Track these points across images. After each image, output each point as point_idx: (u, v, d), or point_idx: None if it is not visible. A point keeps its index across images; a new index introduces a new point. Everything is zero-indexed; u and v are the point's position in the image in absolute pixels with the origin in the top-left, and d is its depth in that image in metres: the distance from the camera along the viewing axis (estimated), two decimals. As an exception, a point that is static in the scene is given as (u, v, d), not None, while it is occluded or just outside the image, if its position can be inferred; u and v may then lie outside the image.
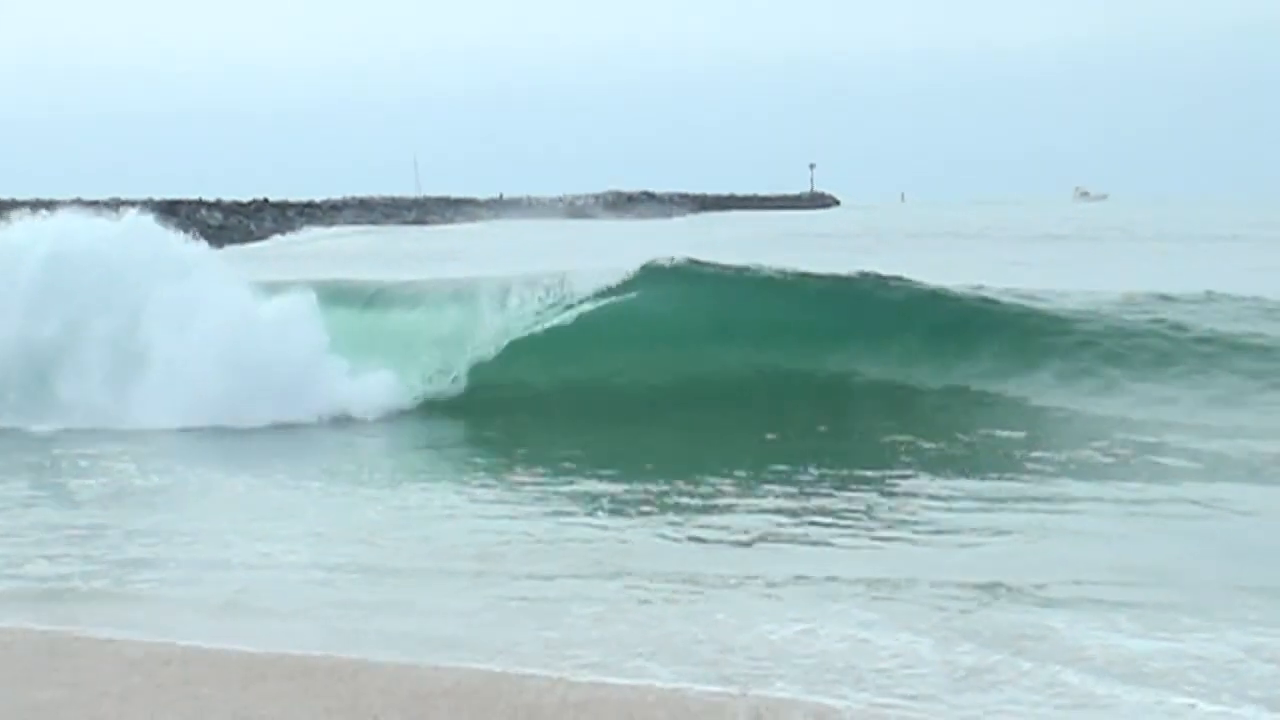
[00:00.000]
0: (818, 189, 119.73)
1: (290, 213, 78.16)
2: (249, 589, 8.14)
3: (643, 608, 7.55)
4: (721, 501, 10.64)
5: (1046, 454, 12.56)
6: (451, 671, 6.25)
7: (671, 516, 10.12)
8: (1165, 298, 17.89)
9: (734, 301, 16.95)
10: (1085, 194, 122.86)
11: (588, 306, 16.57)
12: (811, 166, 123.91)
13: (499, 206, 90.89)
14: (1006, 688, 6.13)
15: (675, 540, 9.39)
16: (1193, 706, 5.89)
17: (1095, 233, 55.51)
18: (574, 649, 6.76)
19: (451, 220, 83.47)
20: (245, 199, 77.80)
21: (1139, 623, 7.39)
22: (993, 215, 75.75)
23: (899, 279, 17.60)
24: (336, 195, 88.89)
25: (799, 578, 8.23)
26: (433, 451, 13.97)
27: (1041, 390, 15.43)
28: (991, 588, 8.09)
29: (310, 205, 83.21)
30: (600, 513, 10.32)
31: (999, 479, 11.54)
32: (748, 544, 9.29)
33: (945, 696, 6.02)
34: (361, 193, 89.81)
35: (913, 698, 6.04)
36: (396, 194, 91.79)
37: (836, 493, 10.96)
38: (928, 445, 13.08)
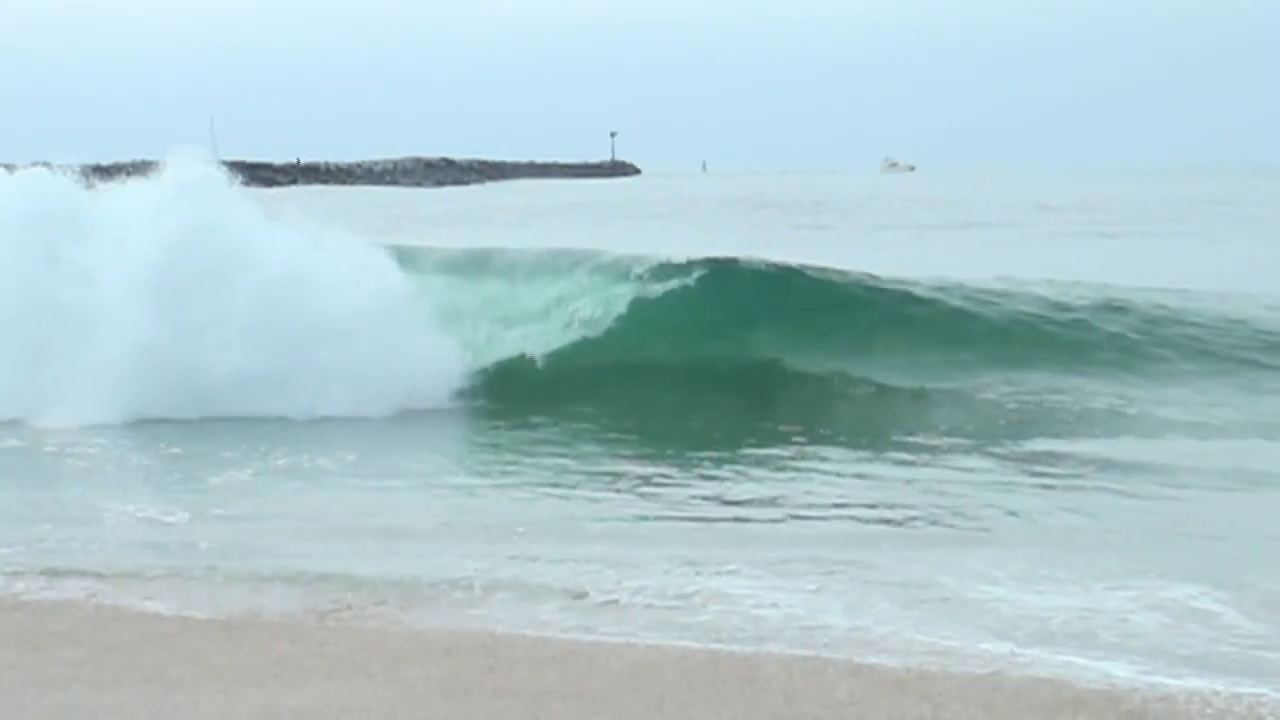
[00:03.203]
0: (619, 157, 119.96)
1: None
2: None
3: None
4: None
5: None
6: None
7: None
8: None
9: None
10: (894, 165, 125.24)
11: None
12: (613, 135, 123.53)
13: (296, 172, 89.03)
14: (924, 651, 6.14)
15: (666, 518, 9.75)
16: (1108, 661, 5.94)
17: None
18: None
19: (248, 185, 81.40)
20: (19, 163, 74.64)
21: (1018, 579, 7.55)
22: (779, 185, 77.34)
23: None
24: (125, 158, 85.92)
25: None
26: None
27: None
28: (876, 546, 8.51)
29: (97, 168, 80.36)
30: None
31: (873, 451, 12.20)
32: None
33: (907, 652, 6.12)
34: (152, 155, 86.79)
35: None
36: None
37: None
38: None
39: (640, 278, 16.48)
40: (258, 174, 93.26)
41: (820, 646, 6.26)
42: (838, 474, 11.13)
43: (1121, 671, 5.94)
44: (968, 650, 6.20)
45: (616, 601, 7.22)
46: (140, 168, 16.58)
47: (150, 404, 13.69)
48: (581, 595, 7.33)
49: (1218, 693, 5.53)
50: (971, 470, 11.20)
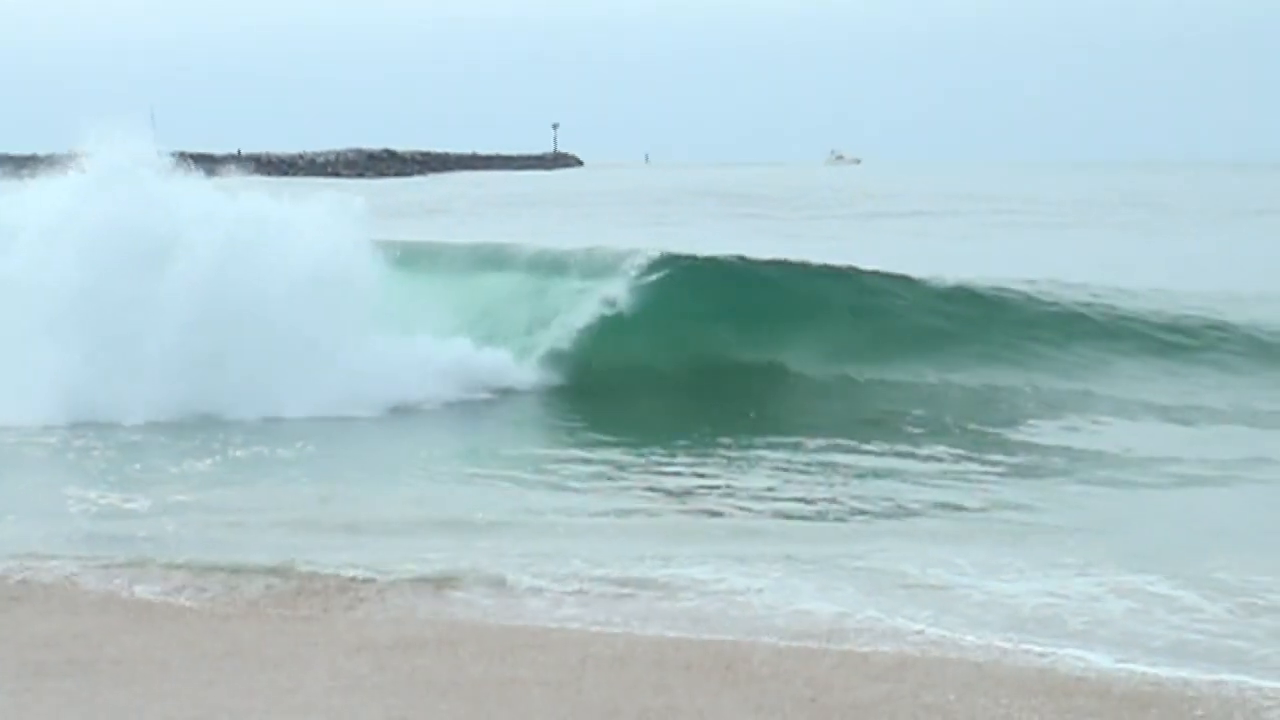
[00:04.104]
0: (561, 149, 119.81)
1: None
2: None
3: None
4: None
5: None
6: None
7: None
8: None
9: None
10: (840, 157, 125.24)
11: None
12: (555, 126, 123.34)
13: (238, 163, 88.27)
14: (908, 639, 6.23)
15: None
16: (1088, 649, 6.04)
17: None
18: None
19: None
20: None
21: (980, 567, 7.64)
22: (722, 176, 77.59)
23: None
24: (62, 149, 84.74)
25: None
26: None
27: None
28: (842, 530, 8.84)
29: (32, 159, 79.27)
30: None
31: (826, 440, 12.36)
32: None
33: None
34: (91, 147, 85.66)
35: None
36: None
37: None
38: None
39: (595, 274, 16.51)
40: (198, 165, 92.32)
41: (805, 635, 6.35)
42: (789, 465, 11.23)
43: (1104, 658, 6.09)
44: (950, 637, 6.32)
45: (587, 591, 7.26)
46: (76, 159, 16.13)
47: (85, 414, 13.27)
48: (552, 585, 7.36)
49: (1204, 680, 5.68)
50: (923, 459, 11.38)
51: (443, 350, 14.96)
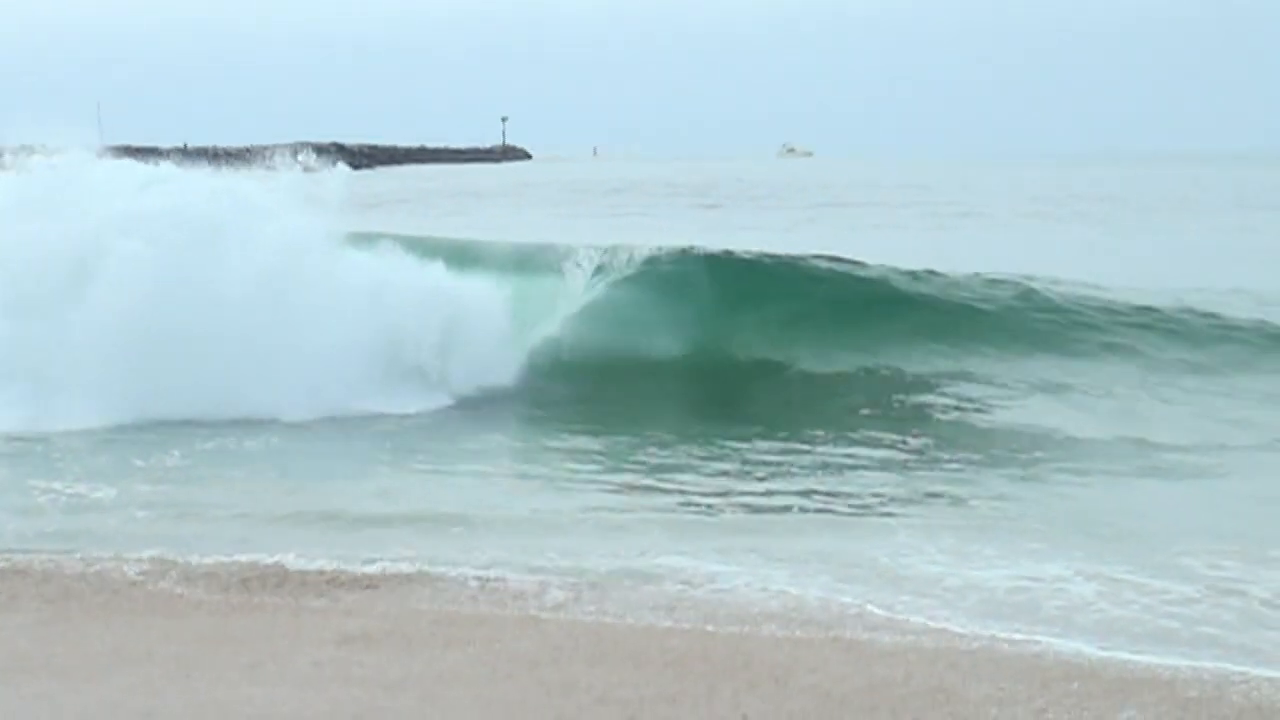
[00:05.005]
0: (510, 142, 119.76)
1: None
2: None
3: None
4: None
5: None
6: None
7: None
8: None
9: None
10: (792, 150, 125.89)
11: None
12: (504, 120, 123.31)
13: (184, 156, 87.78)
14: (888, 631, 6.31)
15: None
16: (1071, 636, 6.13)
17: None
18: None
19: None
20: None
21: (951, 554, 7.72)
22: (671, 170, 77.62)
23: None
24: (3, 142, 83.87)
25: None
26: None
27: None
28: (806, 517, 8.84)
29: (-14, 154, 78.39)
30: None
31: (790, 431, 12.50)
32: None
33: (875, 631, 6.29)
34: (33, 141, 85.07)
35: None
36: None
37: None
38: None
39: (555, 271, 16.49)
40: (143, 159, 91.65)
41: (794, 623, 6.40)
42: (754, 457, 11.29)
43: (1087, 644, 6.19)
44: (934, 625, 6.40)
45: (565, 582, 7.29)
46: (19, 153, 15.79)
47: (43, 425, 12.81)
48: (530, 576, 7.39)
49: (1187, 664, 5.81)
50: (885, 447, 11.51)
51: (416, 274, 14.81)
